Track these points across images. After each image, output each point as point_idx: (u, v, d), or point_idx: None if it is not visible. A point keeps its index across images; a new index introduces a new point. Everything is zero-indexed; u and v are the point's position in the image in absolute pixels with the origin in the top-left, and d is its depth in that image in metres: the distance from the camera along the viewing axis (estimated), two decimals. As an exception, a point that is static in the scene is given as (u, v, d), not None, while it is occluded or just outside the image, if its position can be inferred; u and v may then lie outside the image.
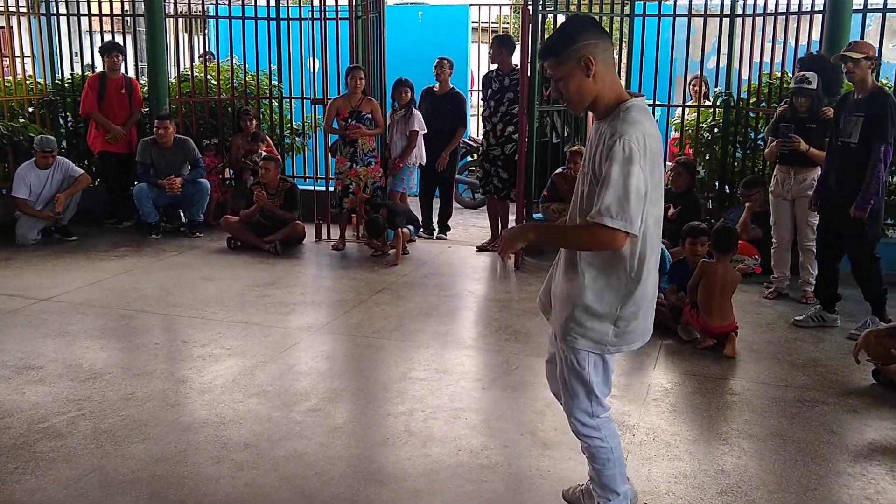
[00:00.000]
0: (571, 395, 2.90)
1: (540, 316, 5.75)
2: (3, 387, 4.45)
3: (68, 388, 4.44)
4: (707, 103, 8.41)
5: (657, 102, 8.46)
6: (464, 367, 4.89)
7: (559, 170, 7.51)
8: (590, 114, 2.82)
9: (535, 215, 7.65)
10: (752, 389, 4.60)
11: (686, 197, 7.11)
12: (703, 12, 8.03)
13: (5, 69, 9.22)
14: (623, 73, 8.32)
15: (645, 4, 8.27)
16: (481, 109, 8.02)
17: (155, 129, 8.22)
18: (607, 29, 8.22)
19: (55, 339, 5.25)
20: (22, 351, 5.00)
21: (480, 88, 8.11)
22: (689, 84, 8.70)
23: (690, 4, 8.21)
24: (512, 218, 8.14)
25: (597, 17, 8.08)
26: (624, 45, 8.32)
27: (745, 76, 7.89)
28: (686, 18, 8.21)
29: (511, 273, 7.12)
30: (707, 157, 8.23)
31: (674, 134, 8.65)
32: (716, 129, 8.11)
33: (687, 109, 8.41)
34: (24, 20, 9.25)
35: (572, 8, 7.96)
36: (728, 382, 4.70)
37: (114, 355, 5.06)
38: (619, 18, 8.47)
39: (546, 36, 7.81)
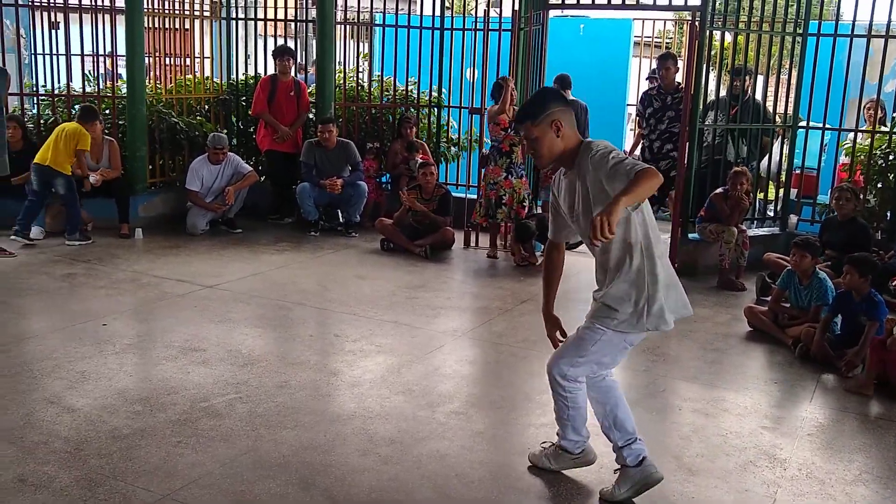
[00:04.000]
0: (565, 349, 3.41)
1: (690, 338, 5.66)
2: (170, 365, 4.76)
3: (228, 371, 4.70)
4: (883, 129, 7.96)
5: (827, 126, 8.08)
6: (608, 383, 4.81)
7: (718, 190, 7.29)
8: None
9: (689, 235, 7.46)
10: (919, 434, 4.31)
11: (852, 224, 6.76)
12: (884, 32, 7.60)
13: (186, 69, 9.85)
14: (792, 95, 7.99)
15: (820, 24, 7.92)
16: (639, 126, 7.88)
17: (318, 133, 8.56)
18: (777, 48, 7.97)
19: (218, 324, 5.57)
20: (188, 333, 5.33)
21: (638, 105, 7.99)
22: (864, 108, 8.25)
23: (871, 24, 7.79)
24: (663, 237, 7.98)
25: (768, 36, 7.82)
26: (794, 65, 7.98)
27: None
28: (864, 39, 7.81)
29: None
30: (879, 186, 7.78)
31: (843, 160, 8.24)
32: (891, 156, 7.65)
33: (860, 135, 7.99)
34: (206, 23, 9.85)
35: (741, 25, 7.73)
36: (893, 424, 4.42)
37: (271, 344, 5.31)
38: (790, 38, 8.13)
39: (710, 52, 7.63)
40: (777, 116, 8.34)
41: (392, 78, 9.43)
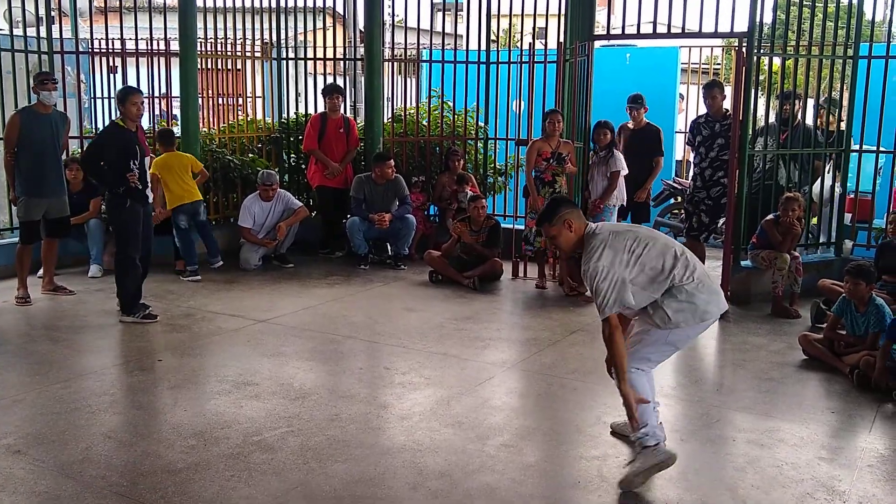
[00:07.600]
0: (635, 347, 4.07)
1: (744, 368, 5.57)
2: (224, 400, 4.84)
3: (280, 405, 4.76)
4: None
5: (881, 149, 7.94)
6: (661, 416, 4.73)
7: (770, 216, 7.19)
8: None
9: (742, 262, 7.37)
10: None
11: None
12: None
13: (238, 108, 10.09)
14: (844, 118, 7.88)
15: (871, 46, 7.82)
16: (690, 155, 7.84)
17: (375, 170, 8.61)
18: (827, 72, 7.86)
19: (270, 358, 5.64)
20: (241, 368, 5.41)
21: (687, 133, 7.95)
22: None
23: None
24: (715, 264, 7.89)
25: (817, 60, 7.75)
26: (846, 88, 7.87)
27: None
28: (917, 60, 7.68)
29: (714, 324, 6.85)
30: (936, 208, 7.60)
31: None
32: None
33: (916, 157, 7.82)
34: (257, 64, 10.08)
35: (789, 49, 7.66)
36: (956, 455, 4.29)
37: (322, 377, 5.37)
38: (840, 61, 8.02)
39: (759, 77, 7.55)
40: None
41: (439, 110, 9.55)
